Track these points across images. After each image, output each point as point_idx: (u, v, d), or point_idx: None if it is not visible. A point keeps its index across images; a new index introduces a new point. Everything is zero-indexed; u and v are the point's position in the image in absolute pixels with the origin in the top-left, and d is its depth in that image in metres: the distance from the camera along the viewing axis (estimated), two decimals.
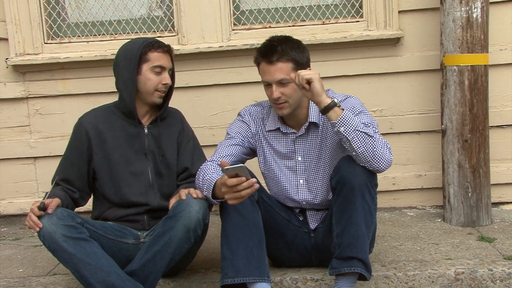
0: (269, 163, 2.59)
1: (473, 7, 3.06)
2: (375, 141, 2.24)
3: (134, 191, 2.58)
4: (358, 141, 2.23)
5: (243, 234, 2.28)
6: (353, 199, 2.28)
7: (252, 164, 2.55)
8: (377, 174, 2.34)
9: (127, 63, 2.54)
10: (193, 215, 2.31)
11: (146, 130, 2.62)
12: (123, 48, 2.61)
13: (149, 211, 2.59)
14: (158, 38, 2.64)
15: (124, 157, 2.59)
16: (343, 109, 2.25)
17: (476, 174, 3.15)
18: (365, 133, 2.23)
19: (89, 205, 2.79)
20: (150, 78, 2.55)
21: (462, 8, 3.07)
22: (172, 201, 2.42)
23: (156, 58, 2.55)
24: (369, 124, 2.34)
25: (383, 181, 3.56)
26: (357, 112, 2.42)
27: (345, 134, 2.23)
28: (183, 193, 2.37)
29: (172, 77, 2.65)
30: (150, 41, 2.57)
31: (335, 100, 2.25)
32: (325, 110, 2.25)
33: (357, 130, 2.22)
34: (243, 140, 2.58)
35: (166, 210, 2.45)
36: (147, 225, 2.59)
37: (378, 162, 2.26)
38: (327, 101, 2.24)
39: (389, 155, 2.29)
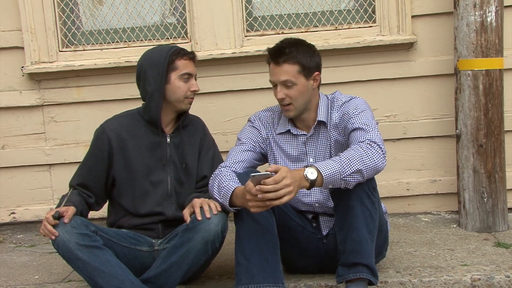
0: None
1: (487, 11, 3.04)
2: (363, 166, 2.19)
3: (151, 201, 2.58)
4: (351, 182, 2.21)
5: (258, 241, 2.28)
6: (352, 205, 2.27)
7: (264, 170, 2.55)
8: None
9: (155, 73, 2.53)
10: (212, 228, 2.31)
11: (168, 139, 2.62)
12: (146, 57, 2.60)
13: (164, 221, 2.60)
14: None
15: (145, 167, 2.59)
16: (320, 173, 2.14)
17: (491, 179, 3.13)
18: (350, 174, 2.18)
19: (103, 212, 2.81)
20: (179, 86, 2.55)
21: (476, 12, 3.05)
22: (186, 213, 2.39)
23: (184, 65, 2.56)
24: (363, 126, 2.36)
25: (397, 186, 3.54)
26: (359, 111, 2.44)
27: (338, 186, 2.22)
28: (197, 206, 2.35)
29: None
30: (175, 49, 2.57)
31: (309, 177, 2.13)
32: (310, 187, 2.17)
33: (343, 178, 2.18)
34: (254, 146, 2.59)
35: (181, 220, 2.45)
36: (161, 234, 2.59)
37: (373, 175, 2.28)
38: (307, 184, 2.14)
39: (381, 161, 2.25)
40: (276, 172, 2.09)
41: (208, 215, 2.31)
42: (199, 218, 2.31)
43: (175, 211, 2.59)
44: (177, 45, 2.58)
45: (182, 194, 2.60)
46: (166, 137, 2.63)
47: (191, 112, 2.71)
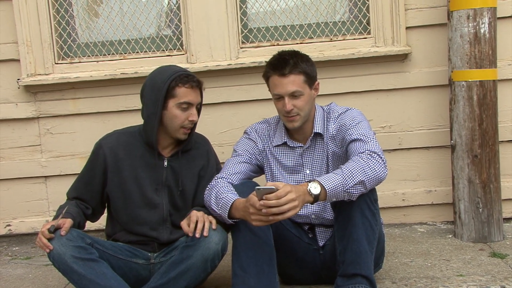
0: (277, 179, 2.59)
1: (480, 22, 3.07)
2: (365, 177, 2.20)
3: (146, 225, 2.54)
4: (354, 194, 2.21)
5: (255, 252, 2.29)
6: (352, 216, 2.28)
7: (260, 182, 2.55)
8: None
9: (153, 96, 2.45)
10: (212, 246, 2.30)
11: (165, 163, 2.56)
12: (151, 77, 2.51)
13: (159, 243, 2.57)
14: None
15: (140, 188, 2.54)
16: (323, 187, 2.14)
17: (486, 190, 3.14)
18: (353, 186, 2.18)
19: (99, 223, 2.81)
20: (176, 115, 2.46)
21: (470, 24, 3.08)
22: (184, 224, 2.34)
23: (184, 94, 2.45)
24: (361, 137, 2.37)
25: (392, 197, 3.55)
26: (356, 122, 2.45)
27: (341, 199, 2.22)
28: (194, 221, 2.31)
29: (199, 110, 2.56)
30: (179, 75, 2.45)
31: (312, 192, 2.13)
32: (314, 202, 2.17)
33: (346, 191, 2.18)
34: (250, 158, 2.60)
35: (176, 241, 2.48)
36: (157, 249, 2.57)
37: (376, 185, 2.27)
38: (310, 199, 2.14)
39: (382, 170, 2.25)
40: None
41: (206, 234, 2.29)
42: (198, 235, 2.28)
43: (169, 235, 2.55)
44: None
45: (178, 217, 2.52)
46: (164, 160, 2.56)
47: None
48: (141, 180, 2.55)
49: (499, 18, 3.19)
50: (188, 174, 2.58)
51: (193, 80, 2.48)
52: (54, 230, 2.29)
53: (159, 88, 2.43)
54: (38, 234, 2.32)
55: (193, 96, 2.48)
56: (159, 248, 2.57)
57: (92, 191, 2.58)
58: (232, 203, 2.27)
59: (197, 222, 2.32)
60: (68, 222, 2.34)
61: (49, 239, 2.29)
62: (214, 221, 2.34)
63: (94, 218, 2.65)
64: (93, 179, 2.57)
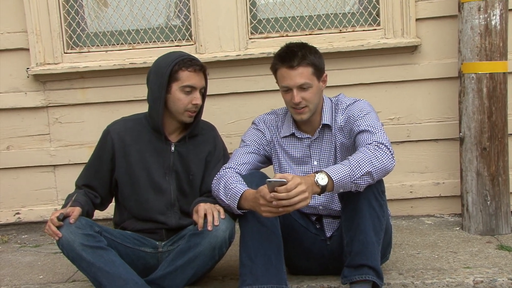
0: (284, 170, 2.59)
1: (491, 14, 3.05)
2: (373, 168, 2.20)
3: (154, 209, 2.56)
4: (361, 185, 2.21)
5: (262, 242, 2.29)
6: (360, 207, 2.28)
7: (268, 172, 2.56)
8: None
9: (157, 81, 2.48)
10: (219, 234, 2.32)
11: (173, 148, 2.58)
12: (156, 62, 2.55)
13: (167, 229, 2.59)
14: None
15: (147, 173, 2.56)
16: (331, 178, 2.14)
17: (495, 182, 3.13)
18: (360, 176, 2.18)
19: (108, 212, 2.83)
20: (179, 98, 2.48)
21: (481, 16, 3.06)
22: (195, 218, 2.35)
23: (187, 77, 2.47)
24: (369, 128, 2.36)
25: (400, 189, 3.55)
26: (364, 113, 2.45)
27: (348, 190, 2.22)
28: (202, 214, 2.33)
29: (204, 95, 2.58)
30: (182, 59, 2.48)
31: (320, 183, 2.14)
32: (321, 193, 2.18)
33: (353, 181, 2.18)
34: (258, 148, 2.60)
35: (185, 227, 2.49)
36: (165, 237, 2.59)
37: (383, 176, 2.27)
38: (318, 190, 2.15)
39: (390, 161, 2.25)
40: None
41: (216, 223, 2.31)
42: (210, 228, 2.30)
43: (178, 220, 2.57)
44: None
45: (186, 203, 2.56)
46: (171, 145, 2.59)
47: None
48: (148, 165, 2.57)
49: (510, 10, 3.17)
50: (195, 160, 2.60)
51: (197, 64, 2.50)
52: (63, 218, 2.31)
53: (163, 72, 2.46)
54: (47, 222, 2.34)
55: (196, 80, 2.49)
56: (167, 236, 2.58)
57: (101, 177, 2.60)
58: (242, 194, 2.28)
59: (205, 215, 2.33)
60: (76, 211, 2.36)
61: (58, 227, 2.30)
62: (222, 210, 2.35)
63: (102, 207, 2.67)
64: (102, 165, 2.60)
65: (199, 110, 2.58)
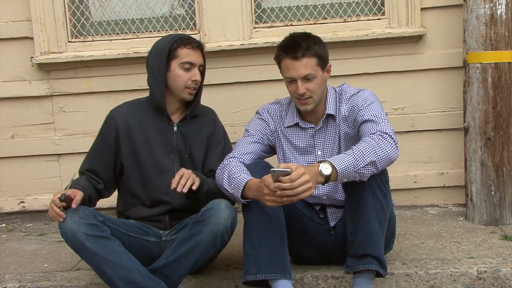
0: (288, 160, 2.59)
1: (497, 3, 3.03)
2: (376, 157, 2.19)
3: (159, 189, 2.58)
4: (365, 174, 2.21)
5: (266, 231, 2.30)
6: (364, 196, 2.28)
7: (272, 162, 2.56)
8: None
9: (157, 60, 2.54)
10: (221, 222, 2.33)
11: (175, 128, 2.62)
12: (154, 44, 2.61)
13: (171, 211, 2.60)
14: None
15: (151, 154, 2.59)
16: (335, 167, 2.14)
17: (499, 172, 3.12)
18: (364, 166, 2.17)
19: (111, 201, 2.83)
20: (179, 75, 2.54)
21: (486, 5, 3.04)
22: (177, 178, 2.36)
23: (185, 54, 2.53)
24: (373, 118, 2.36)
25: (404, 179, 3.55)
26: (368, 103, 2.44)
27: (352, 179, 2.22)
28: (180, 174, 2.35)
29: (203, 73, 2.63)
30: (180, 37, 2.56)
31: (323, 172, 2.13)
32: (325, 183, 2.17)
33: (357, 171, 2.17)
34: (262, 138, 2.60)
35: (188, 211, 2.49)
36: (169, 225, 2.60)
37: (387, 165, 2.27)
38: (322, 180, 2.14)
39: (394, 151, 2.24)
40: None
41: (183, 190, 2.31)
42: (179, 190, 2.31)
43: (183, 200, 2.57)
44: (189, 35, 2.54)
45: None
46: (173, 125, 2.63)
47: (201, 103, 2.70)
48: (152, 145, 2.60)
49: None
50: (197, 140, 2.64)
51: (194, 41, 2.58)
52: (65, 198, 2.29)
53: (162, 51, 2.53)
54: (50, 204, 2.32)
55: (194, 57, 2.56)
56: (170, 225, 2.60)
57: (105, 162, 2.61)
58: (246, 183, 2.28)
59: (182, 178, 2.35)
60: (79, 195, 2.36)
61: (62, 211, 2.30)
62: (196, 183, 2.36)
63: (106, 193, 2.66)
64: (106, 149, 2.61)
65: (199, 88, 2.62)
